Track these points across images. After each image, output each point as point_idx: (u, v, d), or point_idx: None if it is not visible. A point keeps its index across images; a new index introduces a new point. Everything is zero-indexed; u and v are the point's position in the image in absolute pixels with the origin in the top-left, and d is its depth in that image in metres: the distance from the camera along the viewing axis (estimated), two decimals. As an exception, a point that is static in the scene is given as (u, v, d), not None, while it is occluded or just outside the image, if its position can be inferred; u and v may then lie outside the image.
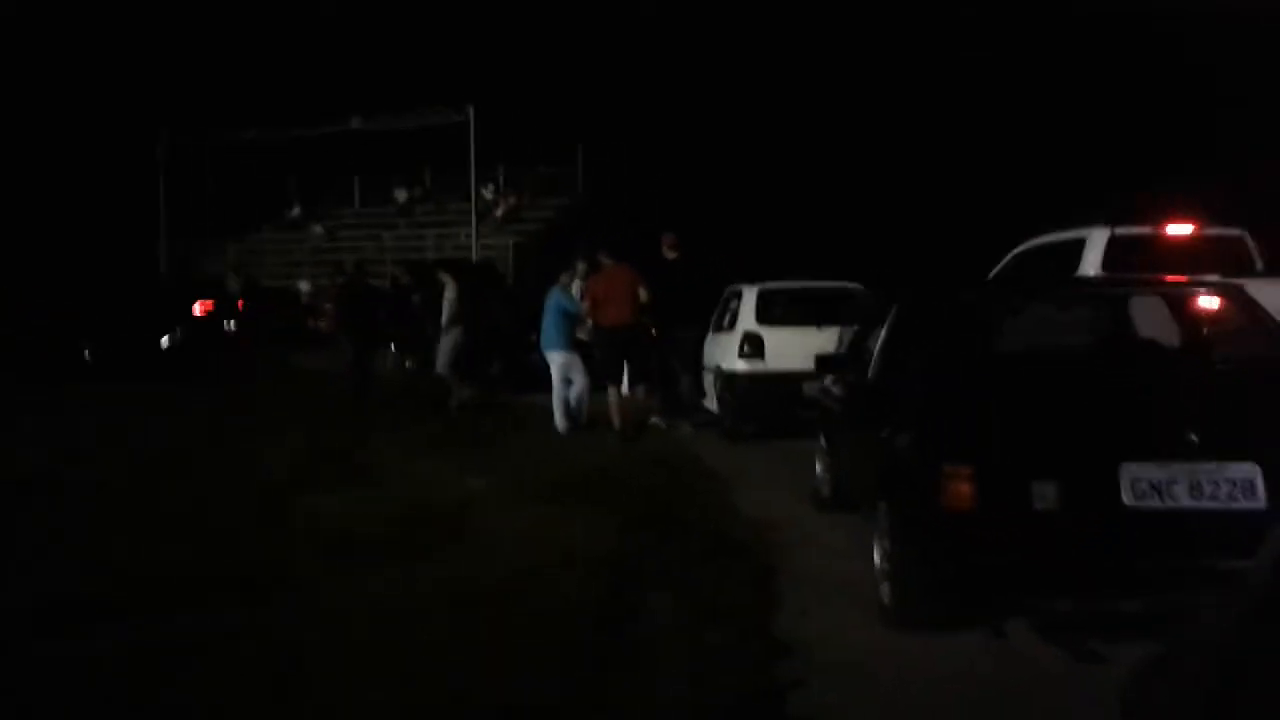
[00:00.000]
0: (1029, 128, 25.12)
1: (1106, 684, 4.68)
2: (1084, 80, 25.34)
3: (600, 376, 11.89)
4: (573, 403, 11.69)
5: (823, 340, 10.80)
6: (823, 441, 8.03)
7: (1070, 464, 4.66)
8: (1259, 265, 9.86)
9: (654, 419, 12.35)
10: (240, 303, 21.30)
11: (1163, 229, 10.05)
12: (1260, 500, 4.58)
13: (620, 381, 11.99)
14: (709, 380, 12.22)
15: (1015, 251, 11.18)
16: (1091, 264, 9.76)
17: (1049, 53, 25.45)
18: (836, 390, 7.73)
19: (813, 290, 11.97)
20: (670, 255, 12.58)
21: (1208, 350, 6.01)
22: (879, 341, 6.77)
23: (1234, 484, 4.59)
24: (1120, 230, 9.90)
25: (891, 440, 5.41)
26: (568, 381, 11.68)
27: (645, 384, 12.31)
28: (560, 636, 5.05)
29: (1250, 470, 4.60)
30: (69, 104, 30.64)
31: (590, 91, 28.69)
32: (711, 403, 12.20)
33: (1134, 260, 9.42)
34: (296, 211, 33.75)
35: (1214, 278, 7.05)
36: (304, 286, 26.08)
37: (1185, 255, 9.56)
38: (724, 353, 11.68)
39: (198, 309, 20.90)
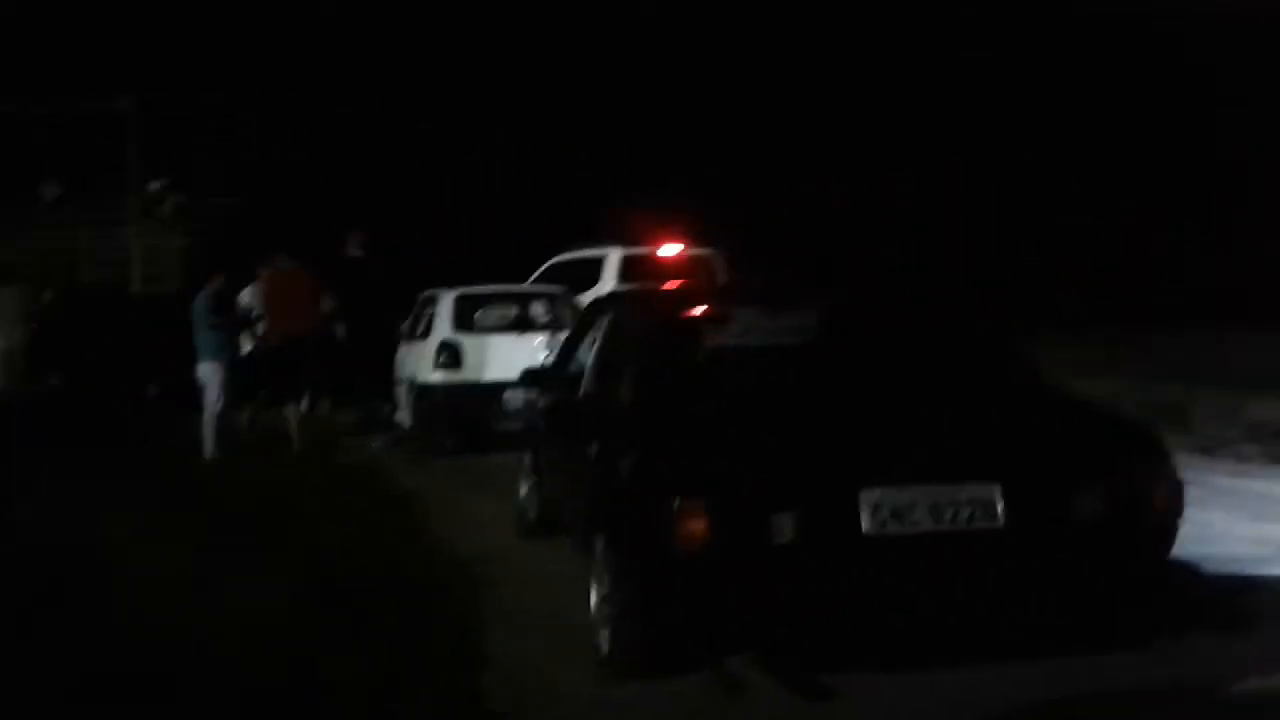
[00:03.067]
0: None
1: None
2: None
3: (278, 390, 10.70)
4: (205, 423, 10.37)
5: (524, 347, 10.19)
6: (528, 461, 7.29)
7: (809, 492, 4.16)
8: (722, 279, 12.33)
9: (339, 434, 11.26)
10: None
11: (659, 249, 12.53)
12: (999, 521, 4.24)
13: (300, 396, 10.81)
14: (402, 393, 11.24)
15: (548, 264, 13.07)
16: (609, 276, 12.26)
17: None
18: (544, 405, 7.02)
19: (513, 294, 11.27)
20: (358, 254, 11.55)
21: (931, 355, 5.70)
22: (592, 352, 6.12)
23: (974, 505, 4.24)
24: (630, 250, 12.43)
25: (611, 468, 4.72)
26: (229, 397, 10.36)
27: (329, 398, 11.19)
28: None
29: (989, 490, 4.25)
30: None
31: (265, 73, 26.56)
32: (405, 417, 11.22)
33: (641, 274, 11.84)
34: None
35: None
36: None
37: (675, 270, 12.09)
38: (418, 363, 10.74)
39: None
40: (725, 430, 4.40)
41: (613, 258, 12.46)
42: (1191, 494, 4.71)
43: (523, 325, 10.79)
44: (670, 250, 12.54)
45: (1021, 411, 4.78)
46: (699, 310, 5.76)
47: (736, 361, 5.32)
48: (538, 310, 11.11)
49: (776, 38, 27.54)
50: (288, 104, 26.66)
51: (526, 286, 11.49)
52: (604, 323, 6.18)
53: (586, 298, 11.78)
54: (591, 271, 12.42)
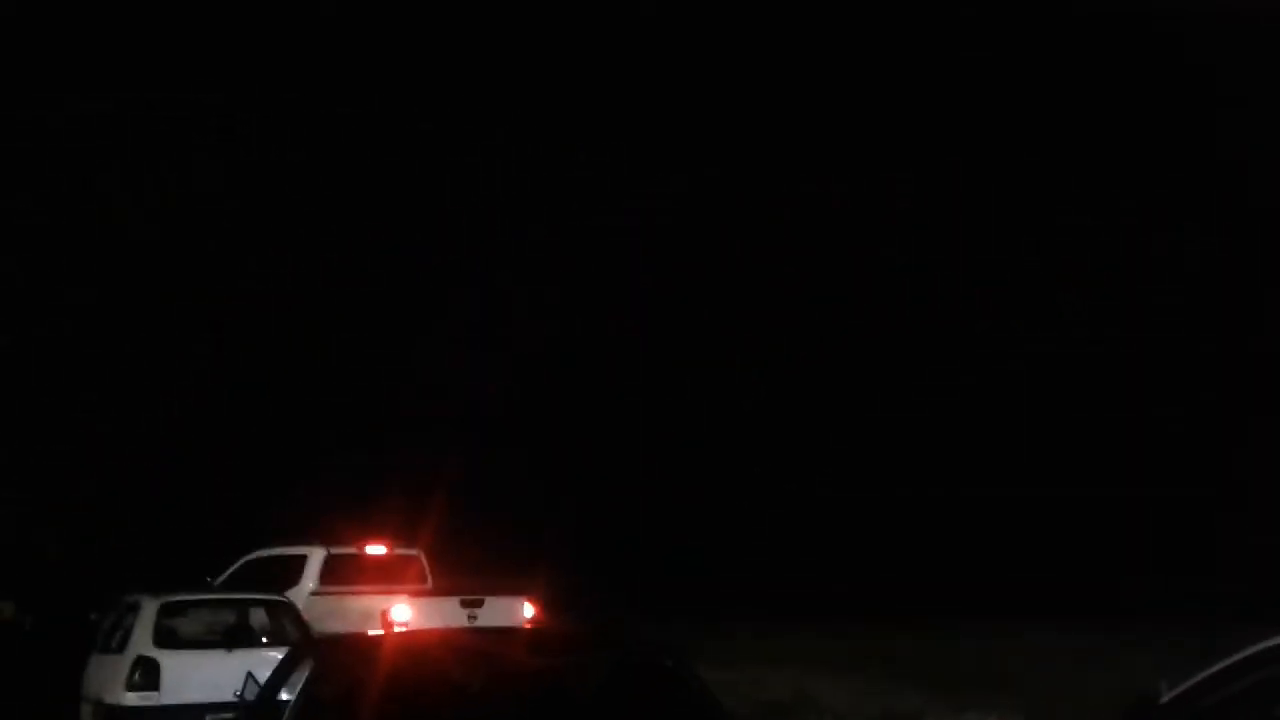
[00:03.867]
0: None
1: None
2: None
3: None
4: None
5: (233, 666, 9.26)
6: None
7: None
8: (429, 580, 12.56)
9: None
10: None
11: (363, 549, 12.57)
12: None
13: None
14: (87, 714, 9.98)
15: (243, 560, 12.79)
16: (311, 576, 12.12)
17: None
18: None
19: (227, 601, 10.41)
20: (53, 551, 10.52)
21: None
22: (292, 705, 5.52)
23: None
24: (334, 550, 12.34)
25: None
26: None
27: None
28: None
29: None
30: None
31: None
32: (90, 741, 9.93)
33: (344, 574, 12.09)
34: None
35: None
36: None
37: (379, 570, 12.29)
38: (108, 680, 9.62)
39: None
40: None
41: (315, 556, 12.28)
42: None
43: (235, 639, 9.88)
44: (375, 550, 12.60)
45: None
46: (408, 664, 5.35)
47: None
48: (255, 621, 10.24)
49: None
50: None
51: (242, 594, 10.63)
52: (306, 670, 5.63)
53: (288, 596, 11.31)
54: (292, 570, 12.19)
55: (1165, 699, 5.04)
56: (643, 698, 5.31)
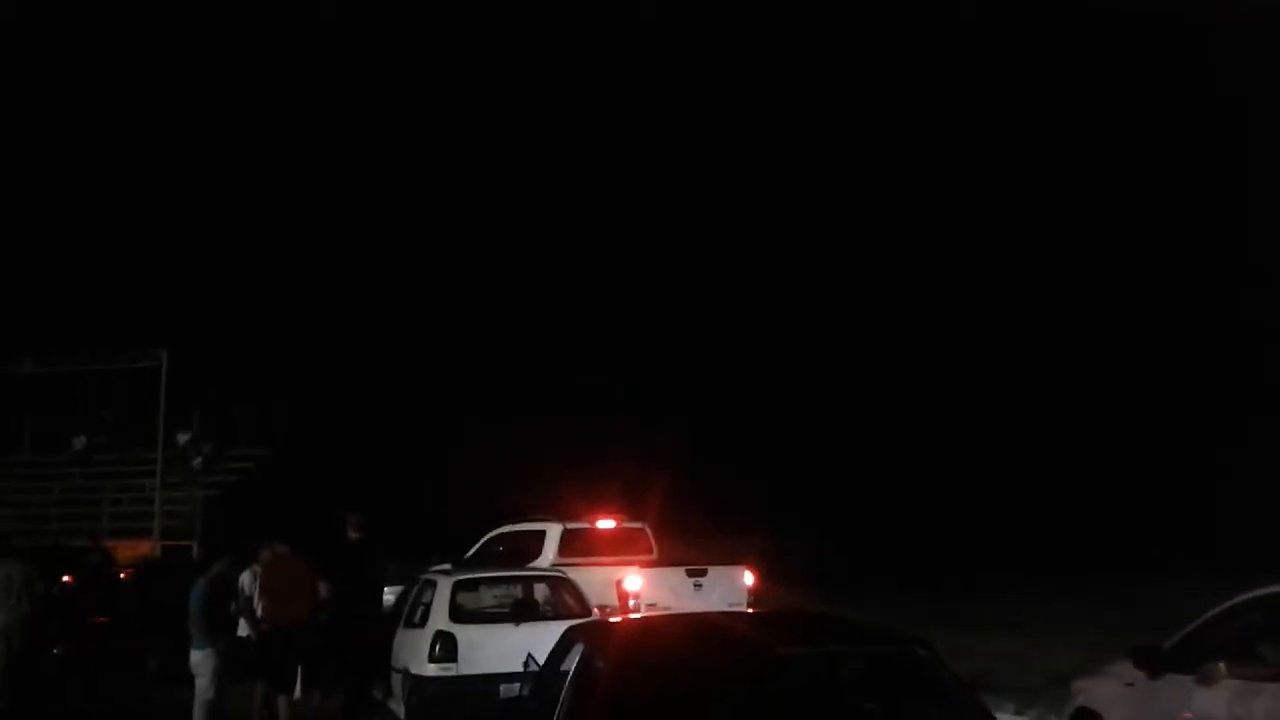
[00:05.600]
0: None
1: None
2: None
3: (271, 677, 10.45)
4: (196, 710, 10.11)
5: (521, 638, 9.88)
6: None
7: None
8: (654, 551, 13.46)
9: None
10: None
11: (595, 523, 13.59)
12: None
13: (293, 687, 10.52)
14: (397, 682, 10.90)
15: (489, 535, 13.97)
16: (551, 549, 13.03)
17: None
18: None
19: (512, 578, 11.08)
20: (354, 535, 11.52)
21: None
22: (567, 684, 5.86)
23: None
24: (569, 525, 13.31)
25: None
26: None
27: (322, 688, 10.88)
28: None
29: None
30: None
31: (292, 336, 27.41)
32: (399, 708, 10.84)
33: (579, 547, 12.99)
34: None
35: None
36: None
37: (610, 542, 13.27)
38: (412, 652, 10.44)
39: None
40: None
41: (553, 531, 13.17)
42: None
43: (521, 613, 10.54)
44: (606, 524, 13.61)
45: None
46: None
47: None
48: (538, 595, 10.88)
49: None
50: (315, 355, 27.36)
51: (525, 571, 11.31)
52: (577, 654, 5.95)
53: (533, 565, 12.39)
54: (533, 544, 13.15)
55: (1169, 644, 6.56)
56: (901, 686, 5.37)
